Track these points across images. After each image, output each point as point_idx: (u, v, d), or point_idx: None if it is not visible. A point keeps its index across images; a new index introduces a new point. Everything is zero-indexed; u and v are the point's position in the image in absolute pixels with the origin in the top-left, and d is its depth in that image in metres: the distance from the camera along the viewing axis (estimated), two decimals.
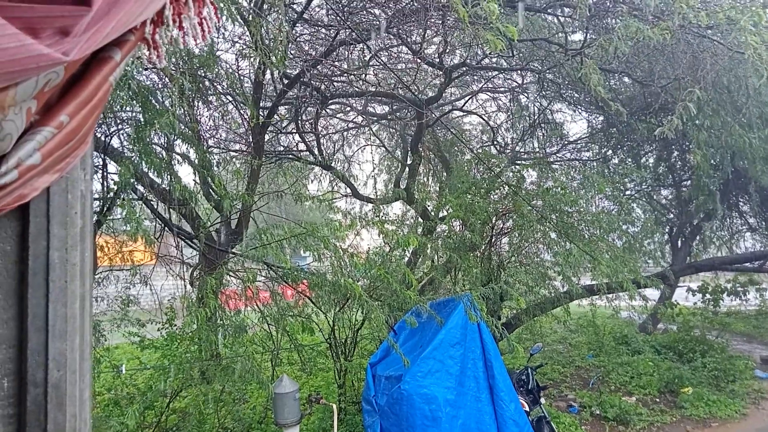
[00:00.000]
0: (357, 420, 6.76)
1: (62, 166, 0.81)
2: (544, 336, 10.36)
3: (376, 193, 11.49)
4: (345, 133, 10.94)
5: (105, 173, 6.02)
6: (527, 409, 6.10)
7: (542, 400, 6.48)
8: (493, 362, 5.63)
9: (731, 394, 8.50)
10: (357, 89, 8.52)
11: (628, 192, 11.29)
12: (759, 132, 6.88)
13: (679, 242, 12.21)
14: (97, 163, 6.06)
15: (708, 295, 11.87)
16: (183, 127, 6.28)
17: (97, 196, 6.21)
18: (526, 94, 9.44)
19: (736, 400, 8.32)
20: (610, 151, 11.18)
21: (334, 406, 5.70)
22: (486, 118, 10.14)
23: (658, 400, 8.34)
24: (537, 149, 10.17)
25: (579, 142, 10.88)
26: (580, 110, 9.97)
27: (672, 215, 12.32)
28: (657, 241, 11.71)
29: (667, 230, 12.20)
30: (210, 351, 5.62)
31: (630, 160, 11.20)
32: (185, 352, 5.51)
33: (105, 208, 6.25)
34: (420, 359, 5.41)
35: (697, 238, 12.60)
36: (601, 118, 10.13)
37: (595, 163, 10.62)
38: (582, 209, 7.72)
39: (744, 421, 7.70)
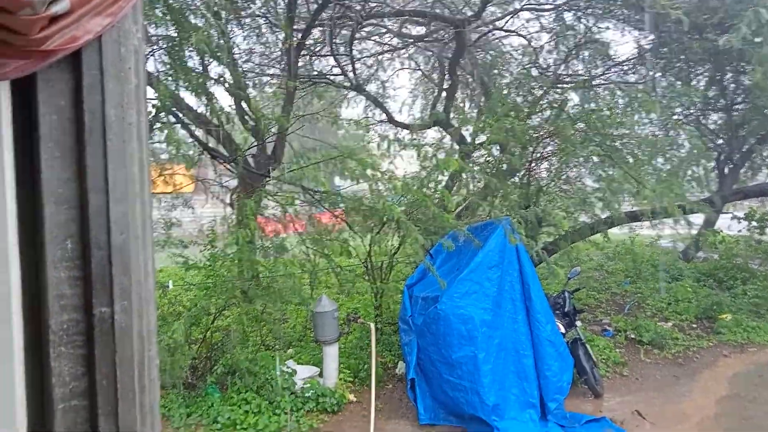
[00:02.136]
0: (393, 340, 6.94)
1: (114, 9, 0.76)
2: (581, 262, 10.29)
3: (413, 118, 11.25)
4: (380, 56, 10.63)
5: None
6: (563, 331, 6.14)
7: (578, 323, 6.51)
8: (531, 285, 5.64)
9: None
10: (392, 8, 8.20)
11: (675, 117, 10.79)
12: None
13: (726, 169, 11.71)
14: None
15: (754, 222, 11.49)
16: (217, 49, 6.16)
17: None
18: (572, 11, 8.91)
19: None
20: (659, 74, 10.60)
21: (372, 325, 5.84)
22: (528, 39, 9.69)
23: (695, 325, 8.29)
24: (581, 71, 9.70)
25: (626, 63, 10.32)
26: (629, 29, 9.39)
27: (721, 141, 11.77)
28: (704, 167, 11.26)
29: (714, 156, 11.70)
30: (251, 271, 5.75)
31: (680, 83, 10.62)
32: (227, 272, 5.65)
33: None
34: (457, 281, 5.44)
35: (746, 164, 12.05)
36: (652, 36, 9.54)
37: (642, 86, 10.11)
38: (628, 132, 7.43)
39: None
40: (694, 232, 9.59)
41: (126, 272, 0.80)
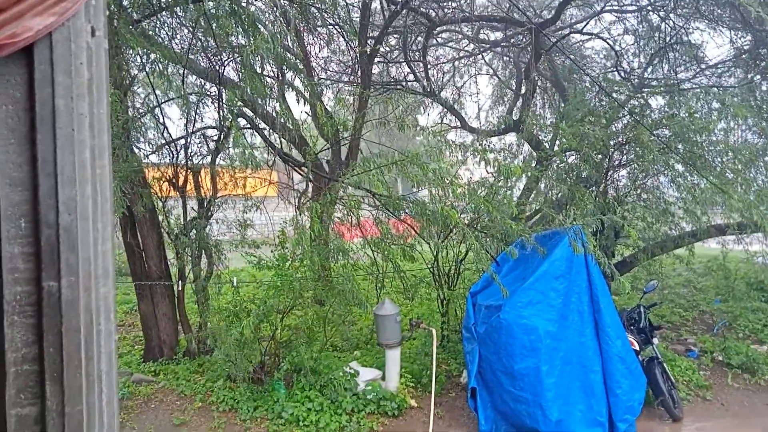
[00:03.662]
0: (459, 348, 6.86)
1: (58, 9, 0.83)
2: (666, 278, 9.67)
3: (485, 124, 11.11)
4: (456, 62, 10.59)
5: (221, 103, 6.31)
6: (637, 348, 5.82)
7: (655, 341, 6.14)
8: (600, 297, 5.39)
9: None
10: (467, 14, 8.15)
11: None
12: None
13: None
14: (213, 93, 6.34)
15: None
16: (291, 57, 6.39)
17: (213, 124, 6.57)
18: (657, 13, 8.45)
19: None
20: (759, 77, 9.80)
21: (434, 330, 5.80)
22: (610, 42, 9.29)
23: None
24: (667, 75, 9.16)
25: (720, 66, 9.64)
26: (721, 30, 8.77)
27: None
28: None
29: None
30: (317, 273, 5.88)
31: None
32: (295, 272, 5.82)
33: (222, 137, 6.60)
34: (521, 290, 5.31)
35: None
36: (749, 37, 8.85)
37: (738, 90, 9.38)
38: (717, 139, 6.93)
39: None
40: None
41: (73, 250, 0.88)
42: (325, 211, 5.86)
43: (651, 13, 8.41)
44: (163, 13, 6.01)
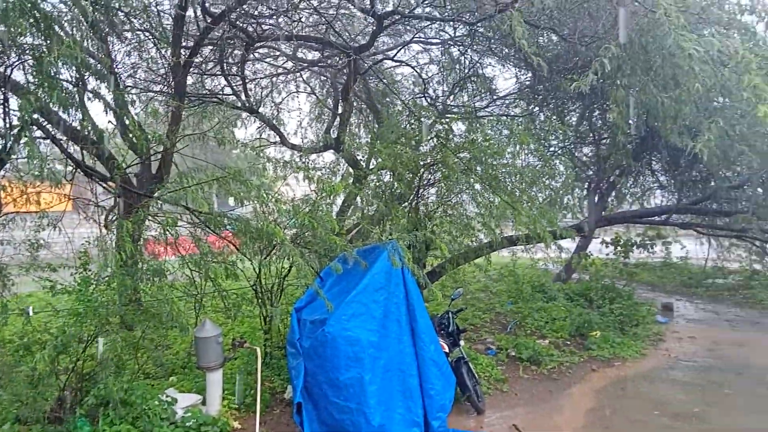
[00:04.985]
0: (283, 364, 6.82)
1: None
2: (468, 284, 10.73)
3: (305, 141, 11.30)
4: (274, 78, 10.62)
5: (7, 109, 5.57)
6: (447, 350, 6.36)
7: (461, 343, 6.77)
8: (416, 306, 5.80)
9: (634, 337, 9.25)
10: (286, 33, 8.24)
11: (552, 149, 11.68)
12: (671, 92, 7.15)
13: (596, 198, 12.82)
14: None
15: (619, 247, 12.69)
16: (95, 62, 5.88)
17: None
18: (457, 47, 9.45)
19: (637, 342, 9.08)
20: (537, 108, 11.46)
21: (258, 350, 5.71)
22: (418, 70, 10.10)
23: (569, 342, 8.91)
24: (467, 103, 10.26)
25: (508, 97, 11.06)
26: (509, 66, 10.11)
27: (591, 172, 12.88)
28: (577, 196, 12.25)
29: (586, 186, 12.76)
30: (127, 296, 5.44)
31: (555, 117, 11.53)
32: (101, 297, 5.31)
33: (8, 146, 5.82)
34: (344, 303, 5.48)
35: (613, 193, 13.28)
36: (530, 74, 10.31)
37: (522, 120, 10.87)
38: (507, 162, 7.92)
39: (643, 360, 8.41)
40: (565, 255, 10.36)
41: None
42: (136, 229, 5.45)
43: (452, 46, 9.35)
44: None
